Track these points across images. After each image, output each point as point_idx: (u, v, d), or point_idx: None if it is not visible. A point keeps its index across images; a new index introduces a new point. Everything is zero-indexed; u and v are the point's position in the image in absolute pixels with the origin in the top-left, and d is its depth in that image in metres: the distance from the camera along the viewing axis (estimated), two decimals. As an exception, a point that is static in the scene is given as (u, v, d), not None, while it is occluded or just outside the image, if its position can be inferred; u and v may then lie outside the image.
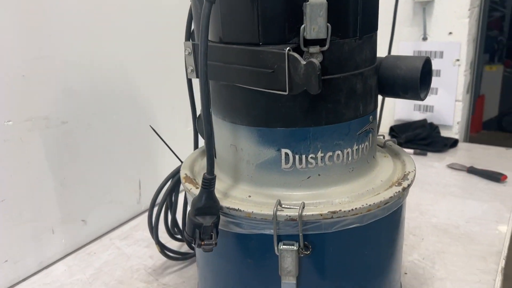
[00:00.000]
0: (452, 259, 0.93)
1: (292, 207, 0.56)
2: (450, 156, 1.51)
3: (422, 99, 0.66)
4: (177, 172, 0.86)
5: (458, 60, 1.57)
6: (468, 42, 1.55)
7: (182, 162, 0.86)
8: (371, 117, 0.62)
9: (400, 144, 1.57)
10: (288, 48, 0.51)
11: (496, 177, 1.29)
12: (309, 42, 0.53)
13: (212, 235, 0.57)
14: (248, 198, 0.60)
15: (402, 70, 0.65)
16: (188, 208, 0.60)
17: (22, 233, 0.91)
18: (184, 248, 0.98)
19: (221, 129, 0.63)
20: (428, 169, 1.41)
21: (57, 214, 0.97)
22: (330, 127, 0.58)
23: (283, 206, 0.56)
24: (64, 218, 0.98)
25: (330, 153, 0.59)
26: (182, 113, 1.27)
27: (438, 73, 1.61)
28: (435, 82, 1.62)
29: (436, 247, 0.98)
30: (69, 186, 0.99)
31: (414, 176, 0.65)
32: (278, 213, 0.55)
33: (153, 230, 0.86)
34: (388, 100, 1.71)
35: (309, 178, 0.60)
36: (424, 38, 1.61)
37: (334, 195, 0.59)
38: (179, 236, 0.95)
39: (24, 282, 0.91)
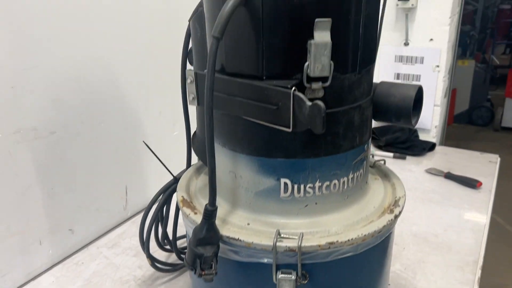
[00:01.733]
0: (432, 269, 0.98)
1: (291, 237, 0.58)
2: (428, 160, 1.56)
3: (413, 126, 0.69)
4: (168, 186, 0.86)
5: (438, 66, 1.61)
6: (448, 49, 1.60)
7: (174, 176, 0.87)
8: (366, 145, 0.64)
9: (380, 147, 1.63)
10: (293, 88, 0.52)
11: (472, 183, 1.34)
12: (311, 79, 0.54)
13: (212, 264, 0.58)
14: (247, 226, 0.61)
15: (396, 98, 0.67)
16: (187, 236, 0.61)
17: (10, 246, 0.90)
18: (173, 258, 0.99)
19: (221, 155, 0.64)
20: (407, 173, 1.46)
21: (44, 224, 0.96)
22: (329, 158, 0.60)
23: (282, 236, 0.58)
24: (51, 228, 0.98)
25: (327, 183, 0.61)
26: (169, 118, 1.27)
27: (418, 78, 1.65)
28: (415, 86, 1.66)
29: (417, 257, 1.02)
30: (57, 196, 0.98)
31: (405, 201, 0.68)
32: (278, 243, 0.57)
33: (145, 245, 0.87)
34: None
35: (307, 206, 0.61)
36: (406, 44, 1.64)
37: (330, 223, 0.61)
38: (168, 247, 0.96)
39: (11, 294, 0.91)
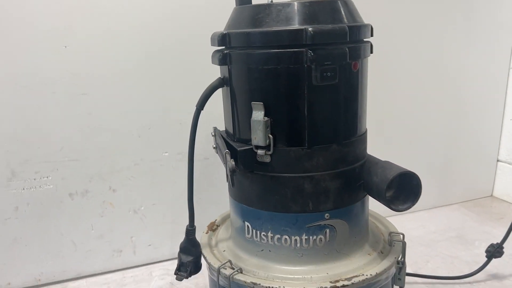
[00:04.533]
0: None
1: (233, 268, 0.72)
2: None
3: (397, 210, 0.69)
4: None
5: None
6: None
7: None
8: (327, 214, 0.70)
9: None
10: (226, 150, 0.68)
11: None
12: (257, 146, 0.68)
13: (188, 270, 0.79)
14: (223, 252, 0.79)
15: (377, 178, 0.70)
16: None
17: (171, 231, 1.31)
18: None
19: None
20: None
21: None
22: (278, 214, 0.70)
23: (229, 266, 0.73)
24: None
25: (278, 236, 0.71)
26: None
27: None
28: None
29: None
30: (203, 202, 1.33)
31: (361, 281, 0.68)
32: (221, 270, 0.72)
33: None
34: None
35: (263, 251, 0.73)
36: None
37: (277, 271, 0.71)
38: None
39: None
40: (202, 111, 0.75)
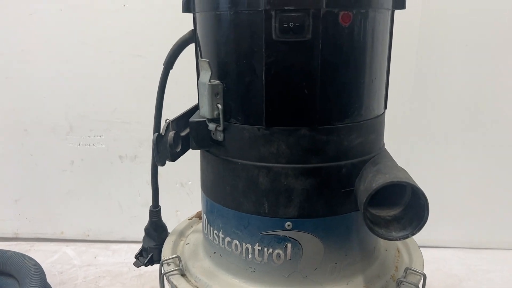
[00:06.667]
0: None
1: (177, 269, 0.58)
2: None
3: (386, 238, 0.47)
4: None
5: None
6: None
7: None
8: (288, 223, 0.51)
9: None
10: (167, 120, 0.54)
11: None
12: (209, 119, 0.53)
13: (149, 256, 0.67)
14: (186, 245, 0.65)
15: (364, 185, 0.48)
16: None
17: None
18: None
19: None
20: None
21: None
22: (229, 211, 0.54)
23: (174, 263, 0.59)
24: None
25: (229, 239, 0.55)
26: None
27: None
28: None
29: None
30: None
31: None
32: (164, 264, 0.59)
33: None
34: None
35: (215, 253, 0.58)
36: None
37: (222, 284, 0.55)
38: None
39: None
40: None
